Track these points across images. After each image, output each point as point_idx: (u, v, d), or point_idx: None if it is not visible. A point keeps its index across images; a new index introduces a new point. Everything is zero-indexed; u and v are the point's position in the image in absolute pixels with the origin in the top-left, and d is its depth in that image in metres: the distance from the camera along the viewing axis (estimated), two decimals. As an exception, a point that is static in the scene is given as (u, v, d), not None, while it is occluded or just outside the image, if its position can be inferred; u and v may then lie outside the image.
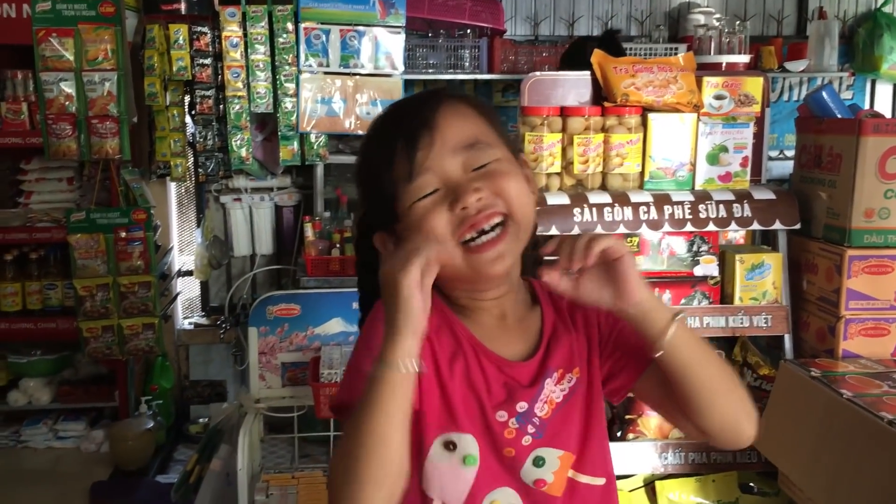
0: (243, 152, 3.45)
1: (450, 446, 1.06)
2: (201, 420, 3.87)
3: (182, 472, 2.26)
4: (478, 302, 1.11)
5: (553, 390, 1.09)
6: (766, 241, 2.19)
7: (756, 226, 1.99)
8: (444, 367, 1.07)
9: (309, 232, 3.38)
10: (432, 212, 1.03)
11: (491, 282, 1.09)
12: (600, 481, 1.13)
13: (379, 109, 3.47)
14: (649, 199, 1.97)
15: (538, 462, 1.08)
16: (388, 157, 1.05)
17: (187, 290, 4.18)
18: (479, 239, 1.04)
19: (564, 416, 1.10)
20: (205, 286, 4.12)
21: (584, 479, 1.11)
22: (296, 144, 3.42)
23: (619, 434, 2.01)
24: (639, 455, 1.97)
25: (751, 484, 2.00)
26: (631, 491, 2.00)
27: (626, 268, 1.00)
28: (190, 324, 4.07)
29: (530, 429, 1.08)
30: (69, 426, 3.60)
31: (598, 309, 1.11)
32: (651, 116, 2.00)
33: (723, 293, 2.03)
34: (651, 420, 1.99)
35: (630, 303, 1.02)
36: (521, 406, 1.08)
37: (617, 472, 1.96)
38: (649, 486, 2.01)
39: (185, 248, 4.19)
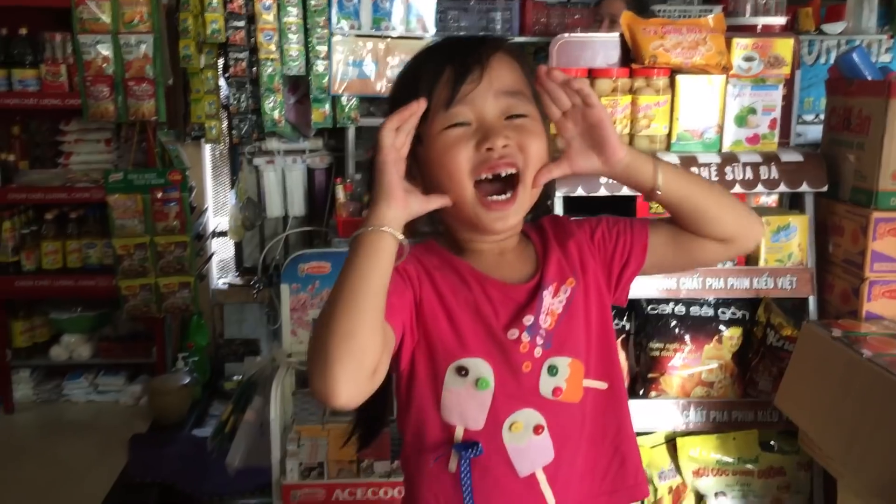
0: (276, 114, 3.49)
1: (462, 372, 1.12)
2: (235, 377, 3.97)
3: (218, 422, 2.34)
4: (478, 243, 1.17)
5: (552, 302, 1.16)
6: (794, 205, 2.19)
7: (783, 188, 1.99)
8: (449, 298, 1.13)
9: (340, 194, 3.42)
10: (459, 144, 1.10)
11: (492, 234, 1.16)
12: (602, 385, 1.18)
13: (410, 72, 3.49)
14: (676, 160, 1.98)
15: (552, 371, 1.14)
16: (433, 80, 1.11)
17: (221, 250, 4.27)
18: (493, 195, 1.10)
19: (567, 324, 1.16)
20: (238, 247, 4.19)
21: (592, 383, 1.16)
22: (328, 107, 3.46)
23: (641, 393, 2.04)
24: (661, 413, 2.01)
25: (771, 442, 2.03)
26: (652, 447, 2.04)
27: (605, 132, 1.10)
28: (224, 283, 4.16)
29: (539, 340, 1.13)
30: (109, 381, 3.73)
31: (583, 228, 1.23)
32: (679, 78, 2.00)
33: (749, 255, 2.04)
34: (673, 378, 2.02)
35: (615, 161, 1.12)
36: (528, 319, 1.14)
37: (639, 429, 2.02)
38: (671, 442, 2.05)
39: (219, 210, 4.27)
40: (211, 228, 4.09)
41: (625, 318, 2.08)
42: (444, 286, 1.14)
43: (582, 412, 1.17)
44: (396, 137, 1.04)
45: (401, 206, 1.04)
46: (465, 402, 1.13)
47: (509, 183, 1.11)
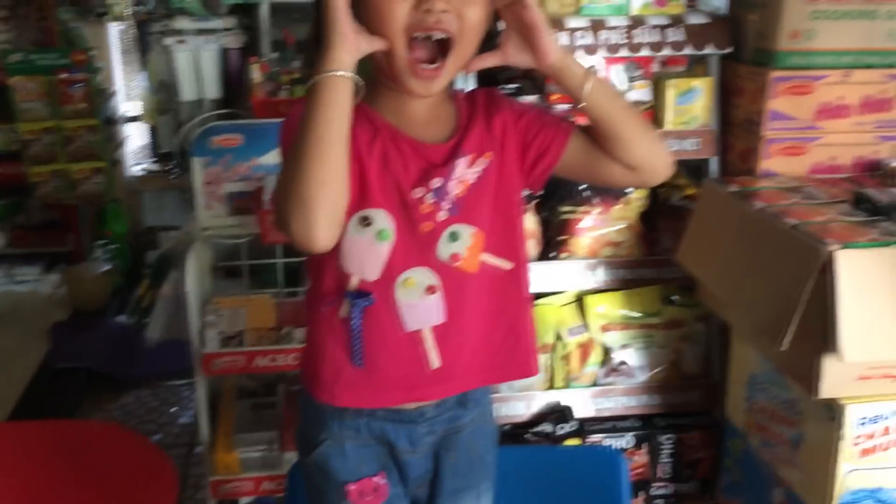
0: (183, -11, 3.35)
1: (365, 222, 1.14)
2: (157, 263, 3.95)
3: (134, 297, 2.34)
4: (401, 97, 1.17)
5: (466, 171, 1.18)
6: (700, 72, 2.23)
7: (689, 50, 2.02)
8: (362, 148, 1.14)
9: (256, 74, 3.33)
10: (398, 1, 1.09)
11: (415, 97, 1.17)
12: (508, 265, 1.23)
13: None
14: (585, 23, 1.99)
15: (453, 237, 1.17)
16: None
17: (135, 136, 4.16)
18: (423, 65, 1.12)
19: (477, 195, 1.19)
20: (153, 132, 4.09)
21: (492, 259, 1.21)
22: (238, -19, 3.33)
23: (551, 255, 2.11)
24: (570, 273, 2.08)
25: (673, 296, 2.14)
26: (562, 306, 2.13)
27: (538, 34, 1.14)
28: (140, 170, 4.08)
29: (445, 205, 1.17)
30: (25, 270, 3.67)
31: (514, 109, 1.22)
32: (588, -61, 1.99)
33: (655, 118, 2.09)
34: (582, 240, 2.09)
35: (548, 62, 1.16)
36: (436, 182, 1.16)
37: (550, 289, 2.09)
38: (579, 301, 2.13)
39: (131, 94, 4.13)
40: (122, 112, 3.97)
41: (537, 184, 2.12)
42: (359, 136, 1.15)
43: (478, 284, 1.21)
44: None
45: (353, 48, 1.06)
46: (364, 252, 1.16)
47: (441, 47, 1.12)
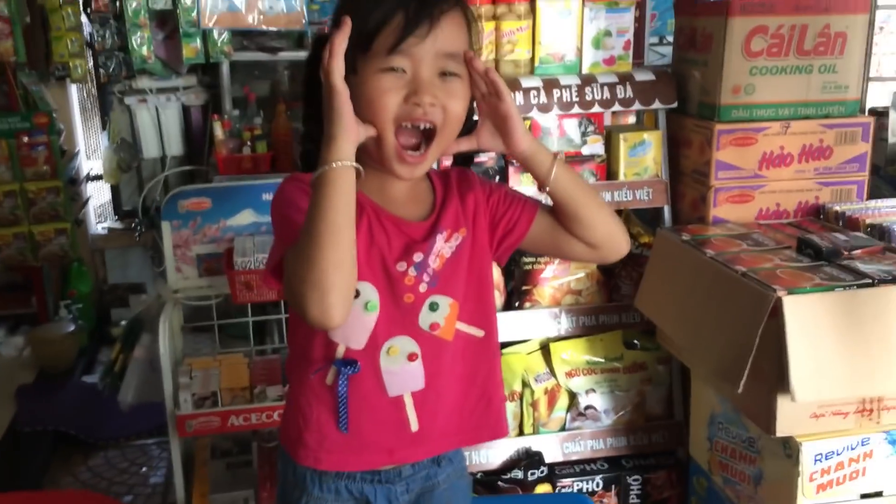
0: (144, 51, 3.41)
1: (354, 294, 1.20)
2: (123, 322, 3.92)
3: (107, 362, 2.35)
4: (385, 178, 1.24)
5: (443, 246, 1.25)
6: (650, 122, 2.34)
7: (637, 105, 2.13)
8: None
9: (218, 131, 3.38)
10: (391, 91, 1.16)
11: (399, 180, 1.24)
12: (479, 332, 1.30)
13: (282, 4, 3.45)
14: (539, 83, 2.09)
15: (433, 307, 1.24)
16: (382, 21, 1.15)
17: (98, 195, 4.16)
18: (409, 152, 1.19)
19: (453, 268, 1.26)
20: (116, 190, 4.10)
21: (466, 328, 1.28)
22: (199, 42, 3.39)
23: (517, 304, 2.18)
24: (535, 321, 2.15)
25: (634, 341, 2.22)
26: (528, 354, 2.20)
27: (511, 124, 1.22)
28: (104, 228, 4.08)
29: (426, 278, 1.23)
30: (-11, 334, 3.62)
31: (484, 188, 1.32)
32: (539, 3, 2.09)
33: (609, 170, 2.19)
34: (545, 289, 2.17)
35: (518, 149, 1.24)
36: (418, 256, 1.23)
37: (516, 337, 2.16)
38: (545, 348, 2.20)
39: (92, 153, 4.14)
40: (85, 172, 3.98)
41: (499, 236, 2.20)
42: None
43: (454, 351, 1.28)
44: (341, 78, 1.10)
45: (354, 138, 1.12)
46: (352, 322, 1.21)
47: (426, 135, 1.19)
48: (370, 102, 1.16)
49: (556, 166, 1.24)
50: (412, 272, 1.23)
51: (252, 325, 2.46)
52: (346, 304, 1.10)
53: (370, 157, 1.21)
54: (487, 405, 1.33)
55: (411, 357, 1.24)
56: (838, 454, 1.63)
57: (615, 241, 1.31)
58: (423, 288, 1.24)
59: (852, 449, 1.63)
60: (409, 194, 1.28)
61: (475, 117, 1.28)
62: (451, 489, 1.36)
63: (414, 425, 1.26)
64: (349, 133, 1.11)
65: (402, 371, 1.24)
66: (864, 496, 1.65)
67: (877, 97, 3.67)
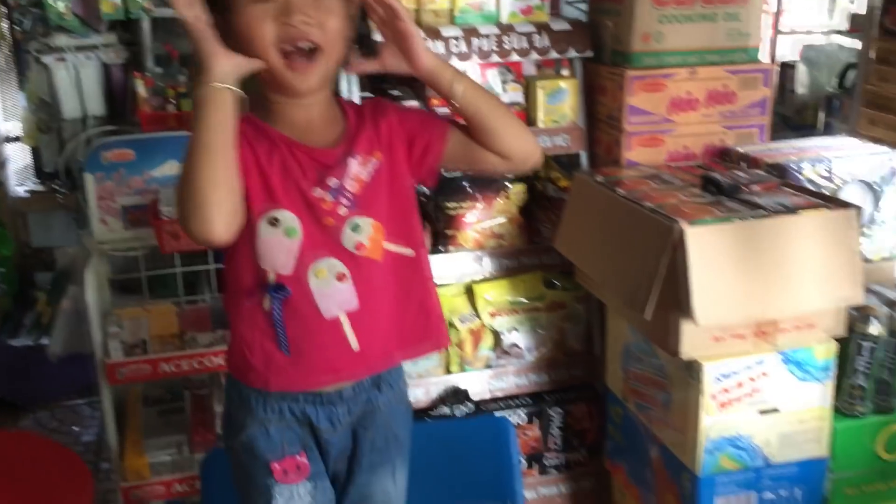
0: (61, 7, 3.33)
1: (274, 222, 1.26)
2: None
3: (33, 314, 2.34)
4: (291, 107, 1.30)
5: (359, 170, 1.31)
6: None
7: (553, 54, 2.21)
8: (262, 159, 1.27)
9: (141, 89, 3.33)
10: (264, 18, 1.22)
11: (298, 95, 1.29)
12: (409, 251, 1.37)
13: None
14: (459, 33, 2.14)
15: (355, 228, 1.30)
16: None
17: (18, 157, 4.06)
18: (296, 58, 1.24)
19: (372, 191, 1.32)
20: (37, 152, 4.00)
21: (394, 247, 1.34)
22: (117, -3, 3.32)
23: (441, 249, 2.25)
24: (459, 264, 2.23)
25: (554, 281, 2.31)
26: (453, 296, 2.27)
27: (410, 42, 1.29)
28: (25, 191, 3.99)
29: (344, 201, 1.30)
30: None
31: (398, 113, 1.38)
32: (457, -47, 2.14)
33: (528, 118, 2.26)
34: (468, 233, 2.24)
35: (421, 68, 1.31)
36: (333, 182, 1.29)
37: (441, 280, 2.24)
38: (469, 290, 2.28)
39: (10, 114, 4.03)
40: (3, 134, 3.88)
41: (422, 185, 2.26)
42: (259, 150, 1.28)
43: (384, 271, 1.35)
44: (192, 10, 1.16)
45: (225, 60, 1.18)
46: (276, 249, 1.28)
47: (311, 55, 1.25)
48: (247, 34, 1.22)
49: (460, 82, 1.31)
50: (329, 197, 1.29)
51: (182, 279, 2.47)
52: (227, 220, 1.18)
53: (270, 88, 1.28)
54: (426, 319, 1.41)
55: (340, 277, 1.30)
56: (737, 374, 1.75)
57: (526, 150, 1.39)
58: (342, 211, 1.30)
59: (750, 369, 1.75)
60: (319, 122, 1.33)
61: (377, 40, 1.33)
62: (391, 413, 1.44)
63: (354, 344, 1.33)
64: (216, 57, 1.17)
65: (334, 291, 1.30)
66: (761, 412, 1.78)
67: (787, 51, 3.83)
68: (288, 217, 1.27)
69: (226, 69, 1.18)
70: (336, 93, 1.47)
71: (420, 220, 1.42)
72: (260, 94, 1.32)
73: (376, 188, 1.33)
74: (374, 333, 1.35)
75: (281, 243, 1.27)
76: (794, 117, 3.35)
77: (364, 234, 1.31)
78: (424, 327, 1.42)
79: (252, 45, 1.22)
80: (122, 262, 2.46)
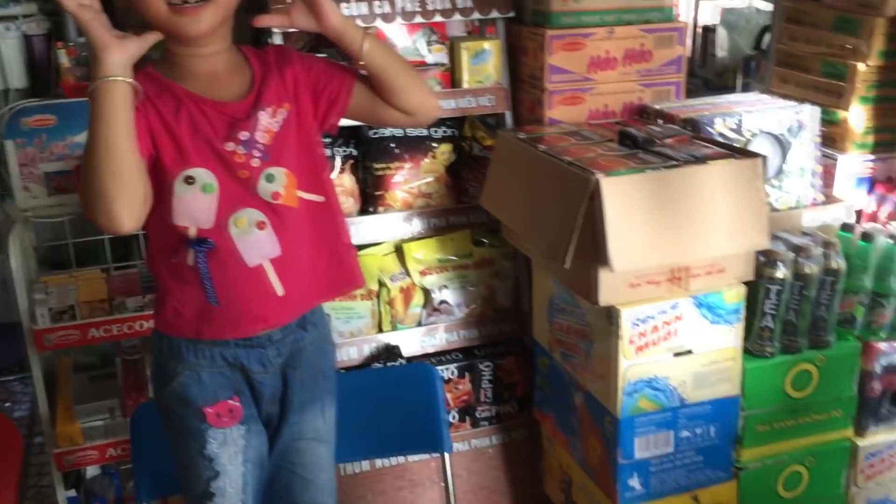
0: (-23, -26, 3.23)
1: (189, 180, 1.28)
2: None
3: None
4: (193, 59, 1.31)
5: (269, 122, 1.34)
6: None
7: (476, 15, 2.25)
8: (169, 118, 1.28)
9: (64, 59, 3.26)
10: None
11: (193, 41, 1.30)
12: (320, 198, 1.40)
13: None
14: (383, -4, 2.16)
15: (269, 178, 1.33)
16: None
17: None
18: (184, 5, 1.25)
19: (283, 141, 1.35)
20: (-44, 125, 3.90)
21: (306, 195, 1.38)
22: (35, -36, 3.25)
23: (370, 210, 2.29)
24: (388, 224, 2.26)
25: (482, 238, 2.37)
26: (384, 255, 2.31)
27: (323, 2, 1.31)
28: (-55, 165, 3.89)
29: (256, 153, 1.32)
30: None
31: (303, 63, 1.39)
32: (378, -86, 2.15)
33: (453, 78, 2.30)
34: (397, 193, 2.28)
35: (329, 25, 1.33)
36: (244, 135, 1.31)
37: (371, 240, 2.27)
38: (399, 249, 2.32)
39: (-74, 87, 3.91)
40: (-81, 107, 3.76)
41: (351, 146, 2.29)
42: (164, 110, 1.29)
43: (301, 218, 1.38)
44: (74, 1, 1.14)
45: (118, 51, 1.16)
46: (195, 206, 1.30)
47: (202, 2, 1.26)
48: None
49: (367, 41, 1.35)
50: (241, 149, 1.32)
51: (114, 247, 2.45)
52: (130, 210, 1.18)
53: (172, 42, 1.30)
54: (339, 262, 1.46)
55: (260, 226, 1.33)
56: (653, 318, 1.83)
57: (427, 107, 1.45)
58: (255, 163, 1.33)
59: (664, 313, 1.83)
60: (224, 74, 1.36)
61: None
62: (317, 351, 1.49)
63: (279, 290, 1.36)
64: (107, 49, 1.15)
65: (255, 240, 1.33)
66: (676, 355, 1.87)
67: (708, 16, 3.93)
68: (203, 174, 1.30)
69: (118, 60, 1.16)
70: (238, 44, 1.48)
71: (327, 167, 1.47)
72: (164, 49, 1.34)
73: (286, 138, 1.36)
74: (297, 278, 1.39)
75: (199, 200, 1.30)
76: (714, 80, 3.45)
77: (279, 183, 1.34)
78: (339, 269, 1.47)
79: (145, 9, 1.24)
80: (50, 233, 2.43)
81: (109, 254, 2.39)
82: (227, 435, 1.39)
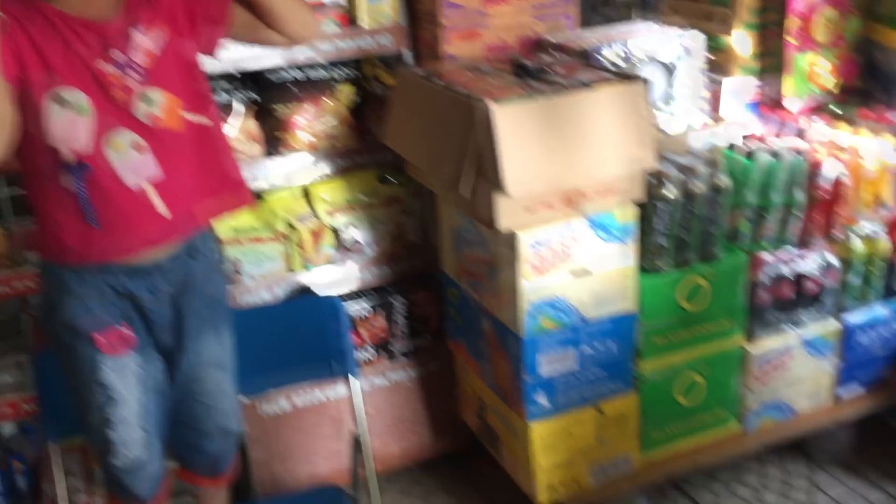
0: None
1: (62, 102, 1.28)
2: None
3: None
4: None
5: (145, 41, 1.34)
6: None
7: (369, -47, 2.25)
8: (39, 39, 1.27)
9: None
10: None
11: None
12: (207, 121, 1.42)
13: None
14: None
15: (147, 101, 1.34)
16: None
17: None
18: None
19: (164, 64, 1.37)
20: None
21: (193, 118, 1.40)
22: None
23: (274, 151, 2.29)
24: (294, 167, 2.27)
25: (388, 177, 2.40)
26: (292, 198, 2.33)
27: None
28: None
29: (133, 74, 1.34)
30: None
31: None
32: None
33: (351, 18, 2.31)
34: (300, 135, 2.29)
35: None
36: (118, 55, 1.32)
37: (278, 183, 2.27)
38: (305, 191, 2.34)
39: None
40: None
41: (253, 91, 2.28)
42: (35, 31, 1.28)
43: (186, 141, 1.40)
44: None
45: None
46: (69, 128, 1.30)
47: None
48: None
49: None
50: (114, 70, 1.32)
51: (15, 202, 2.40)
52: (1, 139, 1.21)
53: None
54: (223, 181, 1.50)
55: (138, 148, 1.35)
56: (550, 240, 1.91)
57: (307, 30, 1.51)
58: (131, 83, 1.33)
59: (561, 235, 1.91)
60: None
61: None
62: (208, 280, 1.52)
63: (163, 211, 1.39)
64: None
65: (134, 162, 1.35)
66: (574, 274, 1.95)
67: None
68: (76, 95, 1.30)
69: None
70: None
71: (209, 91, 1.49)
72: None
73: (167, 61, 1.37)
74: (181, 200, 1.41)
75: (74, 122, 1.30)
76: (615, 15, 3.51)
77: (157, 106, 1.36)
78: (223, 186, 1.50)
79: None
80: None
81: (10, 209, 2.35)
82: (121, 363, 1.41)
